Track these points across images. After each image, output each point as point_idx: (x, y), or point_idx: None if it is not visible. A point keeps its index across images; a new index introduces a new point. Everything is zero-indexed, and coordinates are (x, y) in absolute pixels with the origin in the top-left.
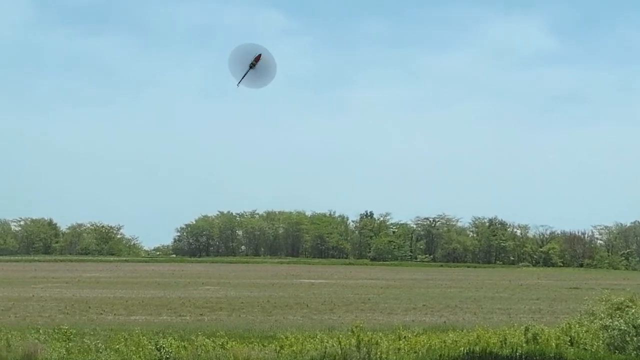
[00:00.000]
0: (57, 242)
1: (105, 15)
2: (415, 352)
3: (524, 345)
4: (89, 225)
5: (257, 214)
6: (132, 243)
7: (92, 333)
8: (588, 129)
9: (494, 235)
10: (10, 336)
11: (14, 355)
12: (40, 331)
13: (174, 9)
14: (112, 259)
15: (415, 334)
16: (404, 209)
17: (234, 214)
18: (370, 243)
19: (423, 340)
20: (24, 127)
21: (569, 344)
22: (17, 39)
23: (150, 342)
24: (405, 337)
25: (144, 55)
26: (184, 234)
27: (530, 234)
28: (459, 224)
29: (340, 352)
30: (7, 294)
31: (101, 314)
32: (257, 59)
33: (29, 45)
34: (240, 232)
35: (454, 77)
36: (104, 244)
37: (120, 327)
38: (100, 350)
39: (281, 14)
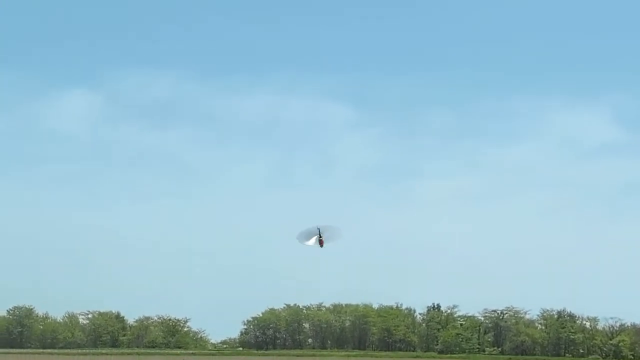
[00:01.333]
0: (124, 335)
1: (172, 109)
2: None
3: None
4: (156, 318)
5: (324, 306)
6: (199, 336)
7: None
8: None
9: (562, 328)
10: None
11: None
12: None
13: (240, 102)
14: (179, 352)
15: None
16: (472, 301)
17: (300, 307)
18: (437, 335)
19: None
20: (93, 222)
21: None
22: (88, 135)
23: None
24: None
25: (211, 148)
26: (251, 326)
27: (600, 326)
28: (527, 316)
29: None
30: None
31: None
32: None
33: (100, 140)
34: (306, 325)
35: (519, 168)
36: (171, 337)
37: None
38: None
39: (346, 106)
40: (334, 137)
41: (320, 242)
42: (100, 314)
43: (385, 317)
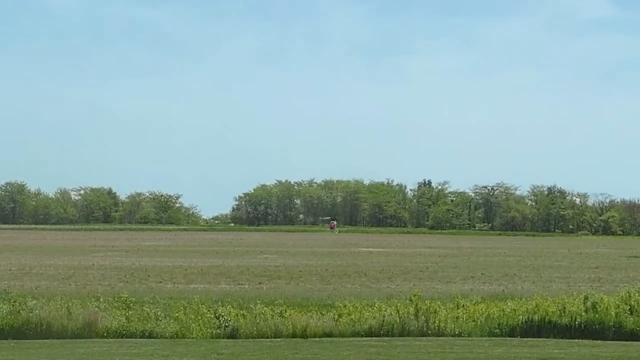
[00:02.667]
0: (116, 211)
1: None
2: (473, 321)
3: (583, 314)
4: (148, 194)
5: (315, 182)
6: (190, 212)
7: (151, 301)
8: None
9: (552, 204)
10: (70, 304)
11: (75, 323)
12: (101, 299)
13: None
14: (171, 227)
15: (473, 302)
16: (462, 177)
17: (292, 183)
18: (428, 212)
19: (481, 309)
20: (84, 97)
21: (629, 312)
22: (80, 10)
23: (209, 310)
24: (463, 305)
25: (202, 23)
26: (242, 202)
27: (590, 202)
28: (518, 193)
29: (398, 320)
30: (68, 263)
31: (160, 282)
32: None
33: (91, 16)
34: (298, 201)
35: (512, 45)
36: (162, 212)
37: (179, 295)
38: (160, 318)
39: None
40: (327, 12)
41: (332, 225)
42: (92, 190)
43: (376, 193)
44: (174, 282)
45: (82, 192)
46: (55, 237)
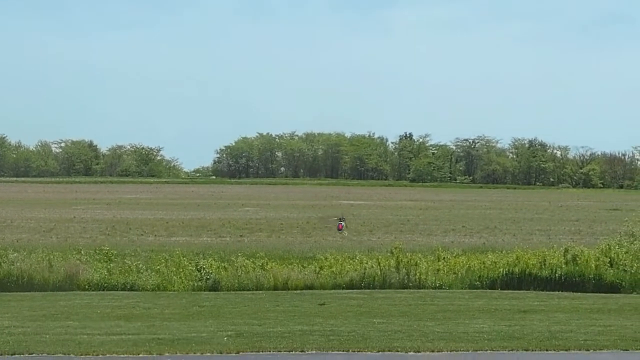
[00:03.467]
0: (97, 164)
1: None
2: (454, 273)
3: (563, 266)
4: (129, 147)
5: (297, 135)
6: (172, 165)
7: (133, 254)
8: (631, 50)
9: (533, 157)
10: (52, 257)
11: (56, 276)
12: (82, 252)
13: None
14: (152, 180)
15: (454, 255)
16: (444, 130)
17: (273, 136)
18: (409, 164)
19: (462, 262)
20: (64, 49)
21: (609, 265)
22: None
23: (190, 263)
24: (444, 258)
25: None
26: (224, 155)
27: (571, 155)
28: (499, 145)
29: (379, 272)
30: (49, 215)
31: (142, 235)
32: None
33: None
34: (279, 154)
35: None
36: (144, 165)
37: (160, 248)
38: (141, 271)
39: None
40: None
41: (340, 227)
42: (73, 142)
43: (358, 145)
44: (155, 235)
45: (62, 144)
46: (36, 190)
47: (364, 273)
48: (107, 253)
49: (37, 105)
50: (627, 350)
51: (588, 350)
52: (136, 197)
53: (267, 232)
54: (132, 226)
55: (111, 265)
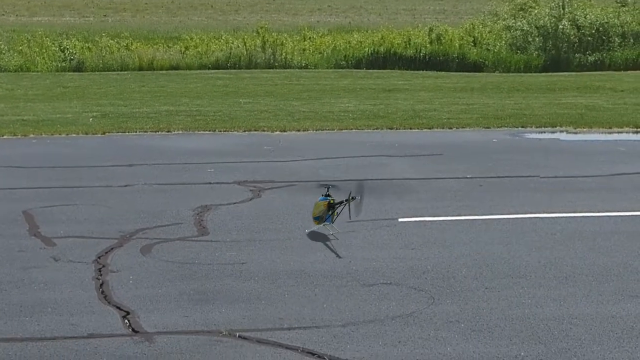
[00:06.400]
0: None
1: None
2: (320, 53)
3: (427, 45)
4: None
5: None
6: None
7: None
8: None
9: None
10: None
11: None
12: None
13: None
14: None
15: (320, 35)
16: None
17: None
18: None
19: (328, 41)
20: None
21: (472, 44)
22: None
23: (53, 44)
24: (310, 38)
25: None
26: None
27: None
28: None
29: (245, 53)
30: None
31: (2, 15)
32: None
33: None
34: None
35: None
36: None
37: (22, 28)
38: (3, 52)
39: None
40: None
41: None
42: None
43: None
44: (16, 15)
45: None
46: None
47: (230, 53)
48: None
49: None
50: (488, 127)
51: (451, 128)
52: None
53: (131, 11)
54: None
55: None
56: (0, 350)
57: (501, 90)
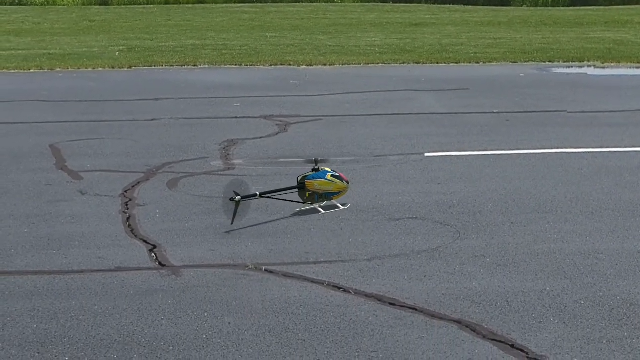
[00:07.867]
0: None
1: None
2: None
3: None
4: None
5: None
6: None
7: None
8: None
9: None
10: None
11: None
12: None
13: None
14: None
15: None
16: None
17: None
18: None
19: None
20: None
21: None
22: None
23: None
24: None
25: None
26: None
27: None
28: None
29: None
30: None
31: None
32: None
33: None
34: None
35: None
36: None
37: None
38: None
39: None
40: None
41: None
42: None
43: None
44: None
45: None
46: None
47: None
48: None
49: None
50: (515, 62)
51: (478, 62)
52: None
53: None
54: None
55: None
56: (29, 283)
57: (529, 25)
